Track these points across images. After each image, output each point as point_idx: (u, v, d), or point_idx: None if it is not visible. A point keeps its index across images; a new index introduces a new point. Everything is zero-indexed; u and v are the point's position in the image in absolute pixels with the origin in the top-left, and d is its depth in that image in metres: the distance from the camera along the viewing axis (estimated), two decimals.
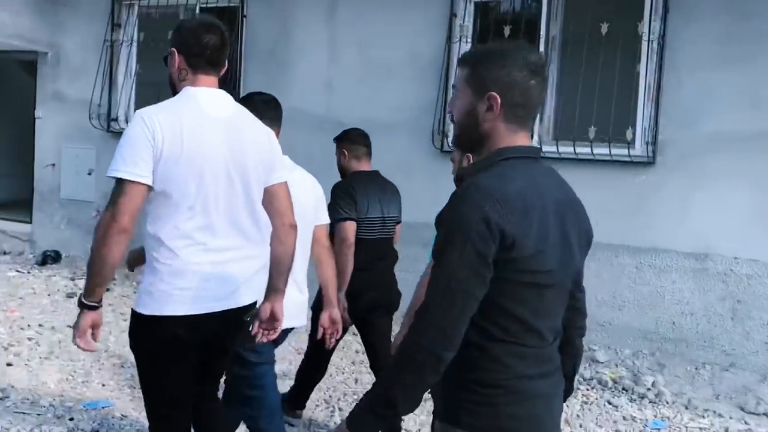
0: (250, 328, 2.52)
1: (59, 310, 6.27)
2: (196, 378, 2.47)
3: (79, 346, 2.28)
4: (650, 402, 4.81)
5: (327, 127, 6.80)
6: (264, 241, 2.51)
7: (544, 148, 5.85)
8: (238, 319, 2.47)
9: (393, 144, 6.55)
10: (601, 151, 5.63)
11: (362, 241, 3.70)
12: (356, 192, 3.72)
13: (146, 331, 2.34)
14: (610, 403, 4.79)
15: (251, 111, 2.64)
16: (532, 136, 1.85)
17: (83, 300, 2.26)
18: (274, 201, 2.51)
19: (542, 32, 5.96)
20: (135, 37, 7.92)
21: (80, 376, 4.69)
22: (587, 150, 5.66)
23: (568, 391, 1.92)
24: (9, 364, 4.80)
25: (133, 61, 7.98)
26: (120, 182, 2.20)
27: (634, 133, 5.63)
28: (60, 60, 8.38)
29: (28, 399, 4.27)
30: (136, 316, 2.35)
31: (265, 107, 3.04)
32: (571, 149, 5.72)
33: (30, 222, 8.58)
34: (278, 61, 7.08)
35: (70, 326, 5.73)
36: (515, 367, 1.63)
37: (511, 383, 1.62)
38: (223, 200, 2.33)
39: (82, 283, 7.21)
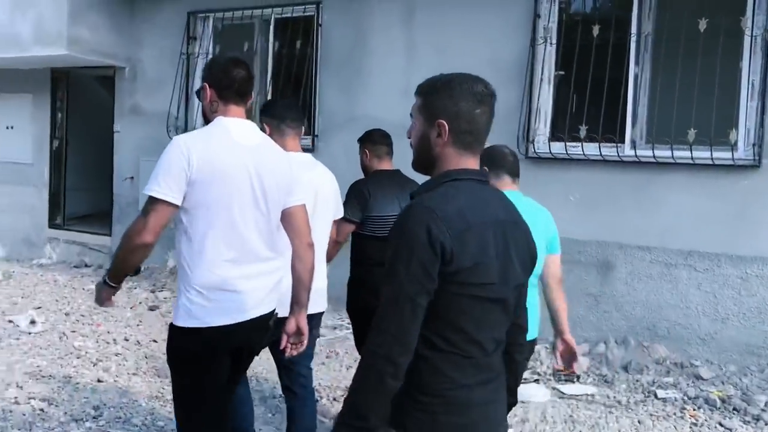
0: (280, 343, 2.75)
1: (143, 323, 6.29)
2: (228, 384, 2.68)
3: (99, 305, 2.74)
4: (766, 424, 4.47)
5: (403, 134, 6.69)
6: (282, 253, 2.73)
7: (639, 153, 5.58)
8: (263, 325, 2.67)
9: None
10: (701, 154, 5.30)
11: (378, 238, 3.74)
12: (370, 192, 3.83)
13: (184, 342, 2.53)
14: (721, 425, 4.47)
15: (274, 114, 3.27)
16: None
17: (107, 280, 2.62)
18: (293, 221, 2.73)
19: (633, 30, 5.67)
20: (210, 50, 7.95)
21: (168, 394, 4.65)
22: (686, 153, 5.34)
23: (512, 404, 2.04)
24: (99, 381, 4.80)
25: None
26: (153, 200, 2.43)
27: (737, 135, 5.28)
28: (137, 74, 8.49)
29: (120, 417, 4.24)
30: (174, 329, 2.55)
31: (286, 110, 3.36)
32: (668, 153, 5.41)
33: (110, 235, 8.72)
34: (354, 68, 6.98)
35: (155, 341, 5.87)
36: (454, 377, 1.74)
37: (450, 393, 1.74)
38: (250, 220, 2.56)
39: (162, 294, 7.32)
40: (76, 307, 6.72)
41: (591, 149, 5.79)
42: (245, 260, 2.55)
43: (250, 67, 2.74)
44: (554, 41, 6.04)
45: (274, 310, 2.73)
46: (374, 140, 4.02)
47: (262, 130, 3.06)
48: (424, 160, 1.90)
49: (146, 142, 8.41)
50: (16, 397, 4.42)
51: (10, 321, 6.09)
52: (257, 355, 2.84)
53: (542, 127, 6.09)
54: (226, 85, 2.61)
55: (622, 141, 5.74)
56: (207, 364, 2.54)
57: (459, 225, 1.69)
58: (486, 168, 3.02)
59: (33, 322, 6.05)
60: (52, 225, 9.33)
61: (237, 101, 2.64)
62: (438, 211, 1.69)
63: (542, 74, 6.03)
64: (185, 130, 7.93)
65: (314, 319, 3.17)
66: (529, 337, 2.81)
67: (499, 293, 1.77)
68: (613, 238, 5.79)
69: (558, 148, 5.92)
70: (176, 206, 2.44)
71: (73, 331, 5.87)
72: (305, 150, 3.68)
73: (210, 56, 7.94)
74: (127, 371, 5.02)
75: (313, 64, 7.21)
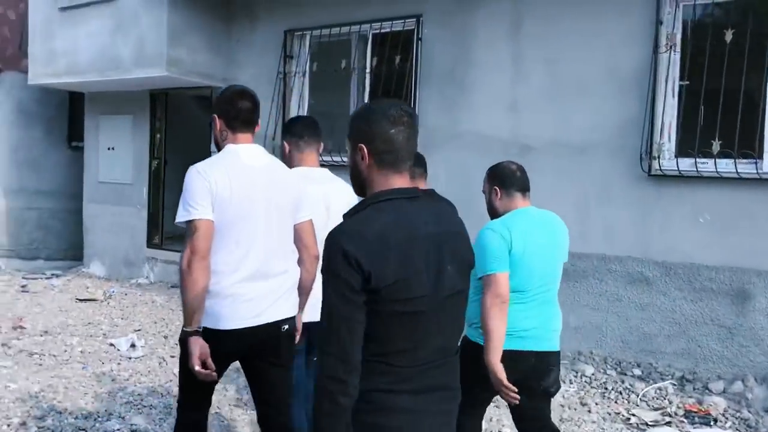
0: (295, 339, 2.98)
1: None
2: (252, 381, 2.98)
3: (199, 377, 2.68)
4: None
5: (513, 151, 6.30)
6: (293, 262, 2.96)
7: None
8: (274, 330, 2.83)
9: (588, 168, 5.93)
10: None
11: None
12: None
13: (208, 341, 2.69)
14: None
15: (294, 132, 3.44)
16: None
17: (185, 329, 2.69)
18: (302, 236, 2.99)
19: None
20: (307, 68, 7.81)
21: None
22: None
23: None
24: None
25: (306, 92, 7.86)
26: (192, 223, 2.67)
27: None
28: None
29: None
30: (210, 330, 2.73)
31: (304, 128, 3.47)
32: None
33: None
34: (457, 83, 6.66)
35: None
36: (378, 382, 1.81)
37: (372, 395, 1.81)
38: (262, 234, 2.79)
39: None
40: (175, 330, 6.64)
41: (724, 166, 5.24)
42: (255, 272, 2.77)
43: (255, 96, 2.95)
44: (679, 48, 5.54)
45: (288, 318, 2.90)
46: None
47: (282, 148, 3.44)
48: (357, 184, 2.00)
49: None
50: (118, 429, 4.28)
51: (111, 344, 6.04)
52: (271, 360, 2.91)
53: (667, 141, 5.58)
54: (233, 115, 2.85)
55: (761, 156, 5.17)
56: (213, 359, 2.70)
57: (377, 245, 1.77)
58: (497, 188, 3.14)
59: (133, 345, 5.98)
60: (151, 245, 9.41)
61: (243, 129, 2.87)
62: (354, 234, 1.79)
63: (666, 84, 5.53)
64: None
65: (311, 328, 3.12)
66: (552, 348, 3.04)
67: (433, 304, 1.84)
68: (751, 263, 5.21)
69: (687, 164, 5.40)
70: (212, 221, 2.69)
71: (172, 356, 5.76)
72: None
73: (307, 75, 7.82)
74: (229, 402, 4.83)
75: (413, 79, 6.94)
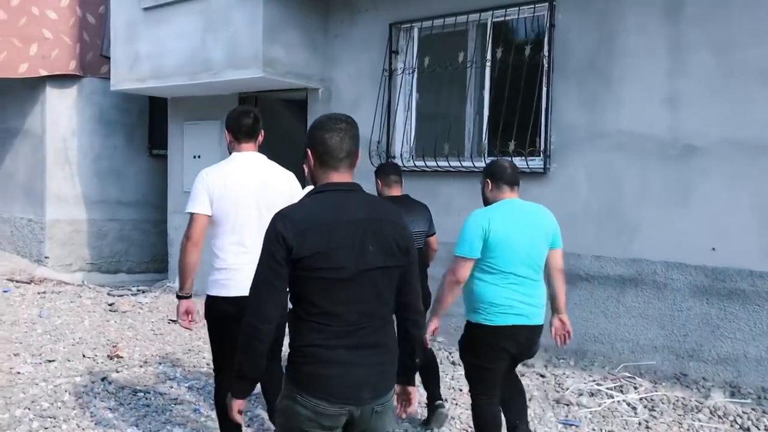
0: None
1: None
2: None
3: (182, 326, 3.64)
4: None
5: (671, 152, 5.44)
6: None
7: None
8: None
9: None
10: None
11: None
12: None
13: (213, 305, 3.50)
14: None
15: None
16: None
17: (178, 293, 3.57)
18: None
19: None
20: (415, 64, 7.07)
21: None
22: None
23: (412, 369, 2.54)
24: None
25: (413, 91, 7.12)
26: (191, 215, 3.45)
27: None
28: (332, 95, 7.76)
29: None
30: (208, 297, 3.52)
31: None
32: None
33: None
34: (598, 74, 5.80)
35: None
36: (314, 339, 2.26)
37: (307, 350, 2.27)
38: (255, 223, 3.45)
39: None
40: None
41: None
42: (247, 252, 3.40)
43: (256, 113, 3.62)
44: None
45: None
46: (386, 172, 4.61)
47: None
48: (311, 181, 2.44)
49: None
50: None
51: None
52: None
53: None
54: (237, 129, 3.56)
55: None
56: (223, 323, 3.45)
57: (301, 225, 2.24)
58: (489, 180, 3.60)
59: None
60: None
61: (246, 140, 3.57)
62: (286, 216, 2.28)
63: None
64: (388, 157, 7.09)
65: None
66: (536, 322, 3.46)
67: (353, 274, 2.26)
68: None
69: None
70: (208, 216, 3.43)
71: None
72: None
73: (415, 72, 7.07)
74: None
75: (544, 71, 6.11)
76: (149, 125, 10.91)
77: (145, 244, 10.98)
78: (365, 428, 2.33)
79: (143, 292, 9.17)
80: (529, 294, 3.44)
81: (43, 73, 9.78)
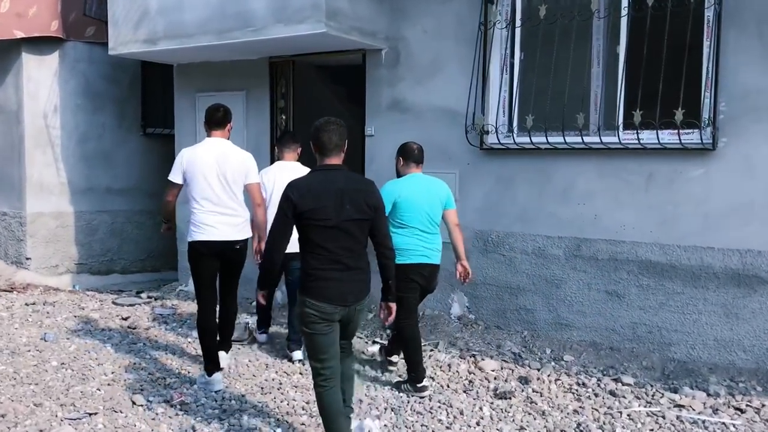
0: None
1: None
2: (217, 275, 4.88)
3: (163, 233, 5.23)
4: None
5: None
6: (243, 209, 4.85)
7: None
8: (230, 246, 4.76)
9: None
10: None
11: None
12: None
13: (191, 248, 4.75)
14: None
15: (281, 143, 5.78)
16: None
17: (162, 221, 5.15)
18: (250, 192, 4.87)
19: None
20: (518, 15, 5.71)
21: None
22: None
23: (386, 287, 3.68)
24: None
25: (517, 50, 5.77)
26: (169, 182, 4.79)
27: None
28: (400, 57, 6.34)
29: None
30: (189, 243, 4.76)
31: (283, 139, 5.77)
32: None
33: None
34: None
35: None
36: (315, 264, 3.44)
37: (313, 272, 3.43)
38: (218, 189, 4.69)
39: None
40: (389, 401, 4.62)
41: None
42: (214, 211, 4.69)
43: (226, 108, 4.92)
44: None
45: (239, 240, 4.82)
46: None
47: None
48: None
49: None
50: None
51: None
52: (234, 265, 4.90)
53: None
54: (208, 120, 4.85)
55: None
56: (200, 260, 4.75)
57: (302, 190, 3.42)
58: (401, 158, 4.84)
59: None
60: None
61: (216, 128, 4.84)
62: (293, 184, 3.47)
63: None
64: (481, 130, 5.74)
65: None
66: (435, 261, 4.75)
67: (336, 223, 3.41)
68: None
69: None
70: (180, 184, 4.76)
71: None
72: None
73: (518, 27, 5.72)
74: None
75: (708, 19, 4.86)
76: (142, 99, 9.25)
77: (141, 239, 9.36)
78: (350, 319, 3.56)
79: (155, 298, 7.61)
80: (429, 241, 4.69)
81: (19, 34, 8.01)
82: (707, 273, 4.99)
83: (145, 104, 9.25)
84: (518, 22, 5.69)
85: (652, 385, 4.78)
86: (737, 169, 4.85)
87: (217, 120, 4.80)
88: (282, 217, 3.40)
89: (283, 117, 7.29)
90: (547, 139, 5.45)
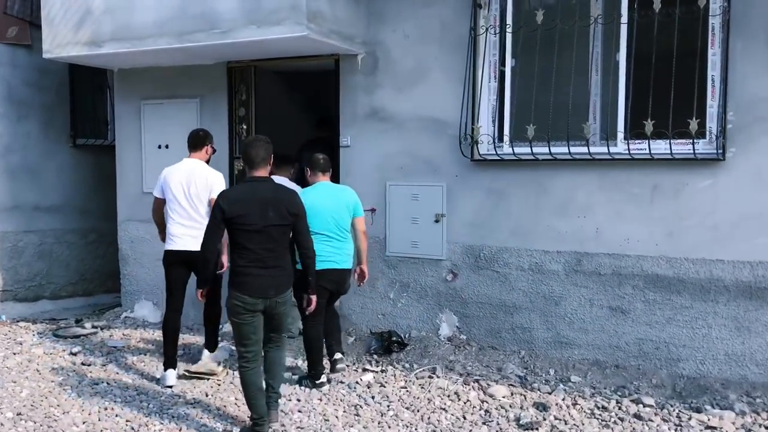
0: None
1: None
2: (184, 281, 5.29)
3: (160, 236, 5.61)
4: None
5: None
6: (204, 219, 4.93)
7: None
8: (191, 255, 5.00)
9: None
10: None
11: None
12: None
13: (164, 256, 5.28)
14: None
15: (277, 166, 5.25)
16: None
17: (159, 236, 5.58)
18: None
19: None
20: (509, 21, 5.45)
21: None
22: None
23: (309, 281, 4.35)
24: None
25: (507, 58, 5.51)
26: (155, 198, 5.35)
27: None
28: (378, 63, 5.96)
29: None
30: (164, 251, 5.29)
31: (277, 161, 5.04)
32: None
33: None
34: None
35: None
36: (241, 262, 3.98)
37: (238, 269, 3.99)
38: (184, 203, 5.18)
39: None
40: None
41: None
42: (181, 222, 5.18)
43: (206, 131, 5.47)
44: None
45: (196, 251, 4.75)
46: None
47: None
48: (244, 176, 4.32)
49: (397, 160, 5.93)
50: None
51: None
52: (195, 271, 4.94)
53: None
54: (188, 142, 5.37)
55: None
56: (170, 266, 5.24)
57: (231, 199, 4.02)
58: (308, 168, 5.15)
59: None
60: None
61: (192, 150, 5.35)
62: (224, 194, 4.15)
63: None
64: (472, 140, 5.44)
65: None
66: (345, 266, 5.04)
67: (260, 228, 3.95)
68: None
69: None
70: (159, 198, 5.30)
71: None
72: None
73: (509, 32, 5.46)
74: None
75: (712, 29, 4.75)
76: (71, 107, 8.41)
77: (72, 261, 8.48)
78: (273, 312, 4.09)
79: (101, 328, 6.86)
80: (337, 247, 4.97)
81: None
82: (717, 286, 4.88)
83: (75, 113, 8.40)
84: (509, 28, 5.43)
85: (672, 405, 4.60)
86: (747, 180, 4.76)
87: (192, 142, 5.34)
88: (213, 221, 4.05)
89: (244, 126, 6.74)
90: (549, 150, 5.22)
